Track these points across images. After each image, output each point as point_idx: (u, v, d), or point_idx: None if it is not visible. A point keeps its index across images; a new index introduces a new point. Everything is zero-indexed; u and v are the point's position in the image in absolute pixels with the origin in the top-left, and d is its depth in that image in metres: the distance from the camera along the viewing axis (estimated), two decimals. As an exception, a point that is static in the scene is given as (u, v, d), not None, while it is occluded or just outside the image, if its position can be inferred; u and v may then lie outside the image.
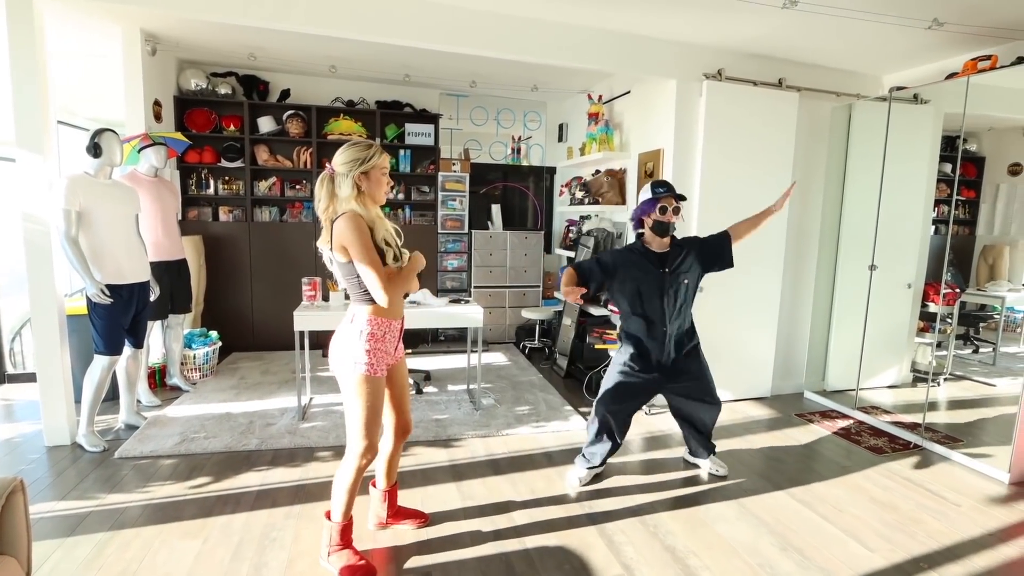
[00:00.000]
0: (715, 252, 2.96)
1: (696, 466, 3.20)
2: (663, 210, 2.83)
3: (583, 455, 3.02)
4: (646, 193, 2.90)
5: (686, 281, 2.90)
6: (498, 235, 5.90)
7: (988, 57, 3.38)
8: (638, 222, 2.94)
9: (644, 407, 4.03)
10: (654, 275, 2.87)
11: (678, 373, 2.97)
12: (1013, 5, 3.03)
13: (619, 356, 2.99)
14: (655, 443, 3.52)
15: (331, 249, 2.07)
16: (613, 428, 2.94)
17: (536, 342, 5.67)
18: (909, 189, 4.02)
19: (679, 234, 3.00)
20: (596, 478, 3.02)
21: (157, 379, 4.24)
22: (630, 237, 4.71)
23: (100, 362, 3.18)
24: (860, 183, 4.17)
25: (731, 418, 3.98)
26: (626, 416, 2.99)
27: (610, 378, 2.95)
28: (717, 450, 3.23)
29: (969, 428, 3.69)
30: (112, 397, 3.69)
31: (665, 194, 2.85)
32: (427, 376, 4.63)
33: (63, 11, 3.54)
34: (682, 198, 2.88)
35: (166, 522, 2.48)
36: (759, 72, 4.06)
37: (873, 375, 4.25)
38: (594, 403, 2.99)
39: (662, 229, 2.86)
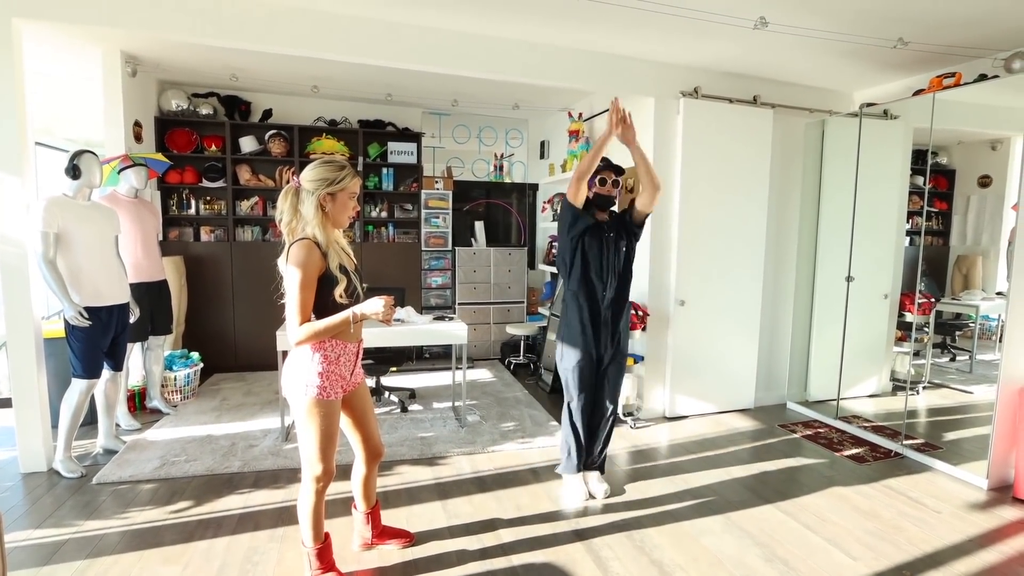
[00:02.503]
0: (630, 219, 2.99)
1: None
2: (602, 182, 2.92)
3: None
4: None
5: (623, 248, 2.95)
6: (482, 252, 5.93)
7: (952, 74, 3.50)
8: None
9: (630, 421, 4.05)
10: (600, 237, 2.90)
11: (608, 347, 2.96)
12: (972, 26, 3.16)
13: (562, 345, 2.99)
14: (641, 457, 3.53)
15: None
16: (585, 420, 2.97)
17: (521, 358, 5.68)
18: (882, 202, 4.12)
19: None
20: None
21: (137, 402, 4.17)
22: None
23: (78, 386, 3.13)
24: (835, 196, 4.27)
25: (715, 430, 4.01)
26: (594, 403, 3.00)
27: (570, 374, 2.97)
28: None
29: (948, 436, 3.75)
30: (90, 421, 3.61)
31: (605, 167, 2.93)
32: (412, 394, 4.60)
33: (42, 32, 3.53)
34: (620, 171, 2.97)
35: (145, 548, 2.43)
36: (734, 90, 4.16)
37: (854, 385, 4.31)
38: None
39: (603, 202, 2.94)
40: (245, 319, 5.23)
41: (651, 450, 3.64)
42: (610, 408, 3.02)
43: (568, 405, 3.01)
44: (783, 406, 4.60)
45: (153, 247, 3.94)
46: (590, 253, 2.90)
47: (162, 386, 4.23)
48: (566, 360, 2.96)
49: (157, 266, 3.98)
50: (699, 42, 3.59)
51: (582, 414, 2.96)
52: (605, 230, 2.92)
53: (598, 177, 2.93)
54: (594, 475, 3.06)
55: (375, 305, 1.96)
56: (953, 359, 4.34)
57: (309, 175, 2.00)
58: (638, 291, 3.98)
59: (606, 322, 2.92)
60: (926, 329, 4.19)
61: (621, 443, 3.72)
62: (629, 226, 2.98)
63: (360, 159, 5.49)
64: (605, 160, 2.97)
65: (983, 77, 3.37)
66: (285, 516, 2.70)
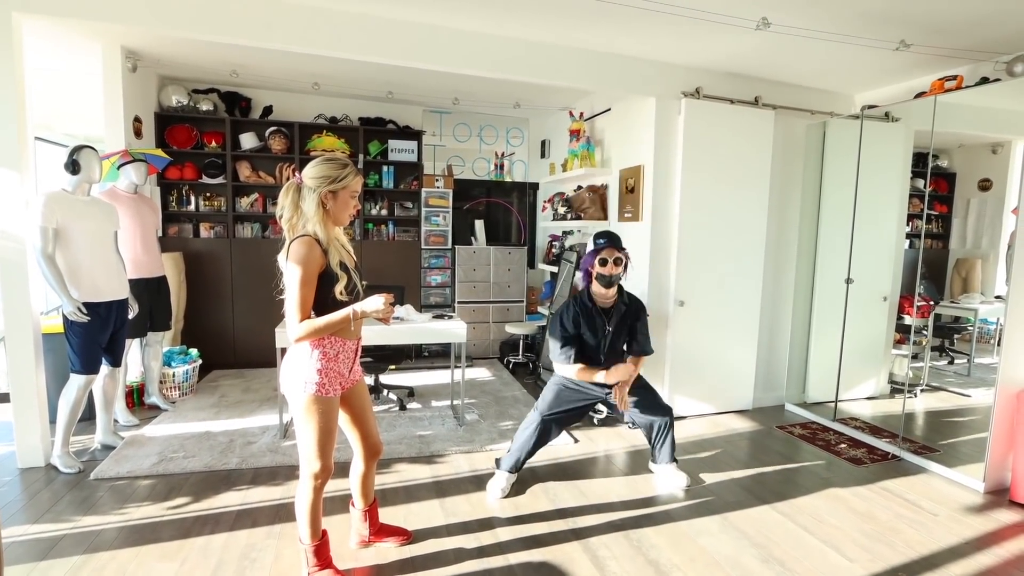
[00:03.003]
0: (634, 331, 3.13)
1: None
2: (603, 262, 2.93)
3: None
4: (590, 245, 3.01)
5: (625, 338, 3.10)
6: (481, 251, 5.92)
7: (954, 77, 3.51)
8: (586, 274, 3.04)
9: (628, 423, 4.05)
10: (599, 331, 3.02)
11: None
12: (975, 28, 3.15)
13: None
14: (638, 458, 3.53)
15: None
16: (550, 433, 3.06)
17: (520, 357, 5.68)
18: (883, 204, 4.12)
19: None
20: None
21: (135, 398, 4.17)
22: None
23: (76, 381, 3.13)
24: (835, 198, 4.27)
25: (713, 431, 4.01)
26: (564, 424, 3.13)
27: (550, 390, 3.09)
28: (682, 461, 3.30)
29: (945, 438, 3.75)
30: (88, 417, 3.61)
31: (605, 245, 2.93)
32: (411, 392, 4.60)
33: (42, 27, 3.53)
34: (620, 247, 2.99)
35: (143, 544, 2.43)
36: (736, 90, 4.16)
37: (852, 387, 4.32)
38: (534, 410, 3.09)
39: (605, 281, 2.96)
40: (244, 316, 5.23)
41: (648, 450, 3.63)
42: (659, 419, 3.08)
43: (535, 409, 3.07)
44: (781, 407, 4.60)
45: (152, 243, 3.94)
46: (585, 339, 3.03)
47: (160, 382, 4.23)
48: (555, 375, 3.09)
49: (156, 262, 3.97)
50: (701, 42, 3.59)
51: (538, 428, 3.01)
52: (603, 322, 3.01)
53: (598, 258, 2.93)
54: (668, 468, 3.14)
55: (375, 303, 1.96)
56: (951, 362, 4.35)
57: (311, 172, 2.00)
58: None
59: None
60: (925, 332, 4.19)
61: (619, 443, 3.73)
62: (632, 323, 3.08)
63: (360, 156, 5.48)
64: (606, 236, 2.99)
65: (985, 80, 3.37)
66: (283, 513, 2.70)
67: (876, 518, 2.83)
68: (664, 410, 3.12)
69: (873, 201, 4.04)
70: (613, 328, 3.01)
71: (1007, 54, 3.40)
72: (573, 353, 2.98)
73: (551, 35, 3.61)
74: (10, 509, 2.70)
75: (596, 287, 3.02)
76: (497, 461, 3.11)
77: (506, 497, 2.94)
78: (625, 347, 3.18)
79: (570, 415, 3.09)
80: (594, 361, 3.03)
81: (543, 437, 3.03)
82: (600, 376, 2.91)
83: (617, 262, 2.94)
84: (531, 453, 3.03)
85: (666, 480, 3.16)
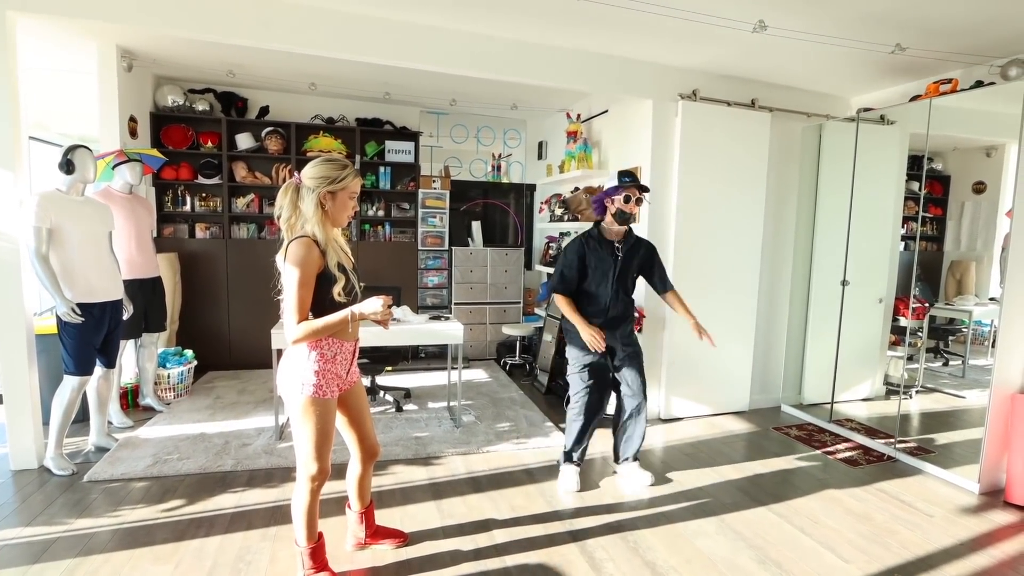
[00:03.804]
0: (651, 267, 3.14)
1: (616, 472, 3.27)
2: (627, 199, 2.95)
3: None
4: (612, 181, 3.01)
5: (634, 274, 3.09)
6: (478, 252, 5.92)
7: (949, 80, 3.52)
8: (600, 207, 3.05)
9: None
10: (608, 261, 3.02)
11: (616, 350, 3.11)
12: (970, 32, 3.17)
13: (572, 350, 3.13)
14: (635, 458, 3.53)
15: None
16: (594, 416, 3.10)
17: (517, 358, 5.68)
18: (878, 206, 4.14)
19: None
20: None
21: (129, 399, 4.15)
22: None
23: (70, 382, 3.11)
24: (831, 201, 4.28)
25: (710, 432, 4.02)
26: (602, 401, 3.13)
27: (576, 376, 3.10)
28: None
29: (940, 440, 3.77)
30: (82, 419, 3.59)
31: (630, 184, 2.95)
32: (407, 394, 4.59)
33: (37, 26, 3.51)
34: (645, 189, 3.01)
35: (137, 547, 2.41)
36: (733, 93, 4.17)
37: (848, 388, 4.33)
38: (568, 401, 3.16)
39: (623, 218, 2.99)
40: (240, 317, 5.21)
41: (645, 452, 3.64)
42: (634, 403, 3.10)
43: (570, 397, 3.13)
44: (777, 409, 4.61)
45: (147, 243, 3.92)
46: (592, 272, 3.03)
47: (155, 384, 4.21)
48: (572, 362, 3.11)
49: (151, 262, 3.95)
50: (698, 45, 3.60)
51: (586, 410, 3.06)
52: (613, 251, 3.02)
53: (623, 194, 2.95)
54: (630, 466, 3.16)
55: (373, 305, 1.95)
56: (946, 364, 4.37)
57: (311, 172, 1.99)
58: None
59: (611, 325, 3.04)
60: (920, 334, 4.21)
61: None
62: (644, 261, 3.10)
63: (357, 157, 5.47)
64: (631, 175, 3.00)
65: (979, 84, 3.38)
66: (278, 515, 2.69)
67: (872, 519, 2.84)
68: (643, 392, 3.12)
69: (868, 203, 4.05)
70: (623, 255, 3.01)
71: (1001, 57, 3.42)
72: (566, 287, 3.02)
73: (549, 37, 3.61)
74: (3, 512, 2.67)
75: (608, 222, 3.04)
76: (565, 455, 3.18)
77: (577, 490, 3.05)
78: (652, 287, 3.20)
79: (599, 383, 3.11)
80: (603, 298, 3.01)
81: (592, 412, 3.08)
82: (581, 324, 2.92)
83: (638, 202, 2.98)
84: (590, 433, 3.12)
85: (630, 480, 3.15)
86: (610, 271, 3.01)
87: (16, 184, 2.98)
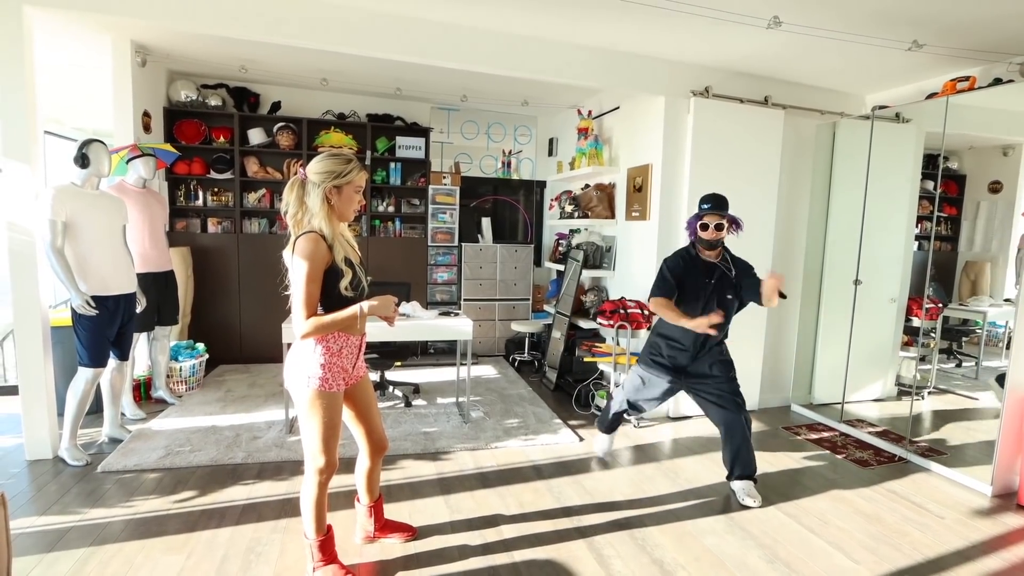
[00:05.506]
0: (745, 287, 3.01)
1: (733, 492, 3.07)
2: (704, 227, 2.93)
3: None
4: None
5: (729, 296, 3.00)
6: (488, 248, 5.92)
7: (967, 78, 3.48)
8: (691, 231, 3.04)
9: (633, 420, 4.04)
10: (699, 283, 2.98)
11: (702, 376, 3.09)
12: (989, 28, 3.12)
13: (647, 349, 3.18)
14: (643, 456, 3.53)
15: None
16: (628, 411, 3.30)
17: (526, 355, 5.68)
18: (892, 205, 4.09)
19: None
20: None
21: (142, 392, 4.19)
22: (620, 249, 4.76)
23: (84, 374, 3.14)
24: (844, 199, 4.24)
25: (718, 431, 3.99)
26: (644, 405, 3.25)
27: (634, 371, 3.23)
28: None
29: (952, 441, 3.73)
30: (96, 410, 3.64)
31: (709, 211, 2.92)
32: (416, 389, 4.61)
33: (53, 21, 3.54)
34: (724, 212, 2.92)
35: (149, 537, 2.44)
36: (746, 90, 4.14)
37: (859, 388, 4.29)
38: (617, 392, 3.33)
39: (707, 244, 2.97)
40: (251, 311, 5.24)
41: (654, 449, 3.64)
42: (730, 416, 3.04)
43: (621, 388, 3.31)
44: (787, 408, 4.58)
45: (160, 237, 3.95)
46: (686, 287, 3.00)
47: (167, 376, 4.25)
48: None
49: (164, 256, 3.99)
50: (711, 41, 3.57)
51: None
52: (706, 273, 2.98)
53: (700, 222, 2.93)
54: (741, 484, 3.01)
55: (384, 304, 2.01)
56: (959, 365, 4.32)
57: (315, 167, 2.00)
58: (643, 289, 3.97)
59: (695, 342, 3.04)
60: (933, 334, 4.16)
61: (624, 441, 3.72)
62: (736, 284, 3.01)
63: (368, 153, 5.49)
64: (711, 200, 2.94)
65: (998, 81, 3.34)
66: (288, 508, 2.71)
67: (882, 520, 2.82)
68: (738, 406, 3.05)
69: (882, 202, 4.01)
70: (714, 282, 2.97)
71: (1020, 55, 3.37)
72: (664, 294, 2.96)
73: (561, 33, 3.60)
74: (18, 500, 2.71)
75: (700, 244, 3.01)
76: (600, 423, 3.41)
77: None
78: (751, 303, 3.08)
79: (648, 403, 3.23)
80: (692, 313, 2.92)
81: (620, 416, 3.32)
82: (684, 321, 2.84)
83: (719, 227, 2.91)
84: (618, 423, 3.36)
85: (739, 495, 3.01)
86: (702, 292, 2.97)
87: (32, 178, 3.02)
